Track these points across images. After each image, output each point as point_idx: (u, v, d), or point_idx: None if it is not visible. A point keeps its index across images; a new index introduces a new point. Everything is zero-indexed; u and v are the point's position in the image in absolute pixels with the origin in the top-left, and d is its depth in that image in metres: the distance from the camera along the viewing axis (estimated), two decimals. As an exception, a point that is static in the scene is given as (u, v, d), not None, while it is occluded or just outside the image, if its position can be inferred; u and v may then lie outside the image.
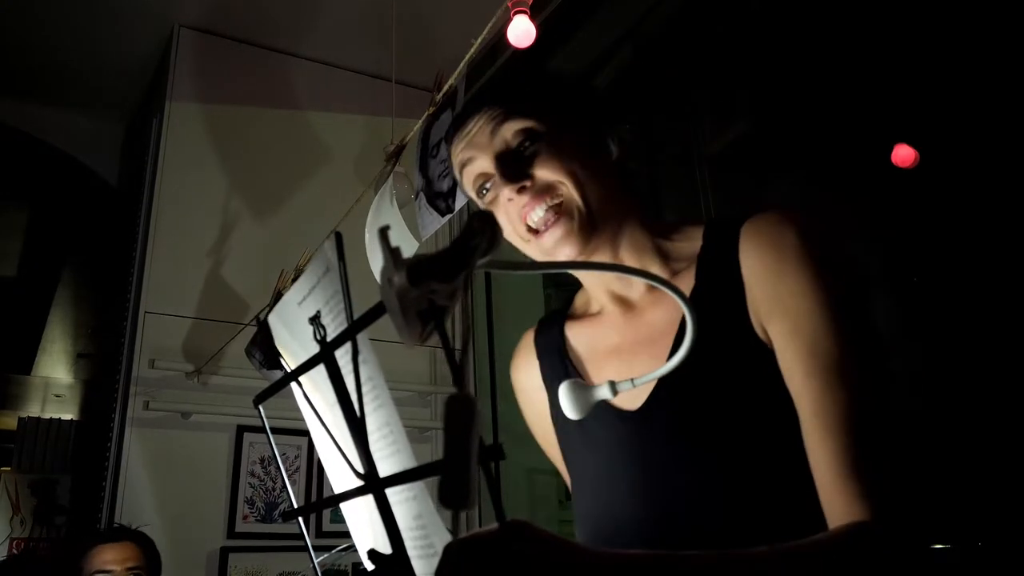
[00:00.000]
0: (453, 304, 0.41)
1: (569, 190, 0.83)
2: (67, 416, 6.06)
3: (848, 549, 0.63)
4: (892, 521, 0.64)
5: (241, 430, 2.72)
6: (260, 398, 0.73)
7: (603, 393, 0.72)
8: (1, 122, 3.52)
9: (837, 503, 0.66)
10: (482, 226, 0.41)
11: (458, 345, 0.41)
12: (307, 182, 3.14)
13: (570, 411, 0.75)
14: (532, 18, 1.69)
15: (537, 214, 0.83)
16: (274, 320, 0.70)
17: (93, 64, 3.33)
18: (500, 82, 0.91)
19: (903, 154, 3.34)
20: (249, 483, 2.68)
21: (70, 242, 4.80)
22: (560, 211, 0.83)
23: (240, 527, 2.62)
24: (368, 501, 0.63)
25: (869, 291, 0.77)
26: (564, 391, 0.76)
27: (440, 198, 1.69)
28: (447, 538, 0.52)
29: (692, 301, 0.78)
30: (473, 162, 0.87)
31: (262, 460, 2.72)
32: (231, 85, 3.15)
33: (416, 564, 0.56)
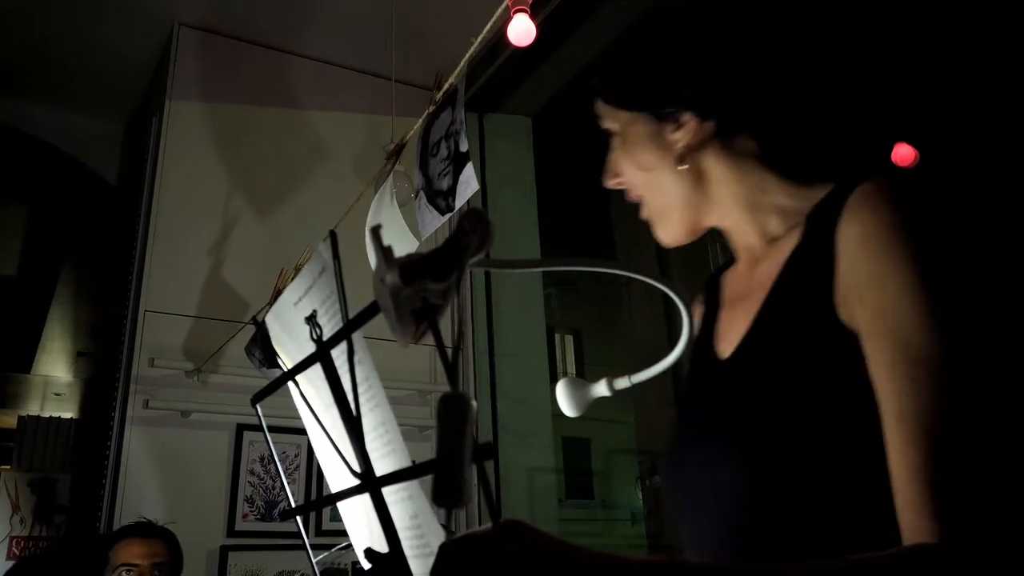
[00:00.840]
0: (446, 303, 0.41)
1: (642, 189, 0.90)
2: (67, 415, 6.06)
3: (901, 572, 0.56)
4: (965, 548, 0.56)
5: (241, 429, 2.72)
6: (258, 397, 0.73)
7: (600, 390, 0.72)
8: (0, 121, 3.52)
9: (908, 518, 0.59)
10: (473, 225, 0.41)
11: (451, 344, 0.41)
12: (307, 181, 3.14)
13: (566, 408, 0.75)
14: (532, 16, 1.69)
15: (635, 198, 0.92)
16: (271, 320, 0.70)
17: (93, 63, 3.33)
18: (608, 64, 0.95)
19: (903, 153, 3.34)
20: (249, 482, 2.69)
21: (70, 241, 4.80)
22: (641, 201, 0.91)
23: (240, 526, 2.62)
24: (365, 500, 0.63)
25: (987, 283, 0.67)
26: (560, 388, 0.76)
27: (440, 197, 1.69)
28: (443, 537, 0.52)
29: (786, 266, 0.77)
30: None
31: (262, 459, 2.72)
32: (231, 84, 3.15)
33: (412, 563, 0.56)
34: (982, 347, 0.63)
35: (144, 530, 2.06)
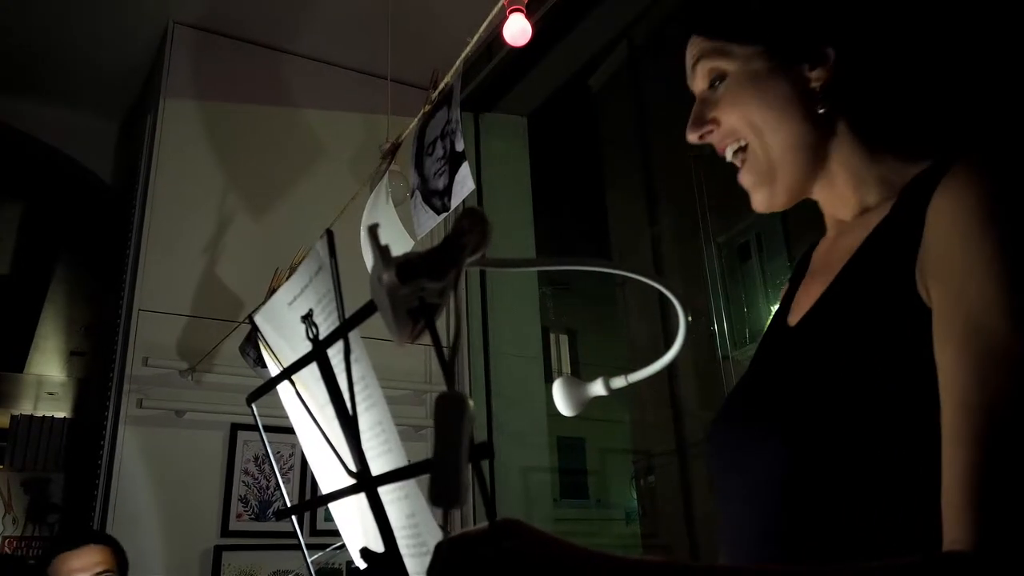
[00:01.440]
0: (443, 302, 0.41)
1: (751, 139, 0.81)
2: (60, 414, 6.05)
3: None
4: (1000, 559, 0.51)
5: (235, 428, 2.72)
6: (253, 396, 0.73)
7: (596, 389, 0.72)
8: (-6, 119, 3.51)
9: (951, 517, 0.55)
10: (472, 224, 0.40)
11: (448, 343, 0.41)
12: (302, 179, 3.14)
13: (563, 407, 0.75)
14: (528, 16, 1.69)
15: (729, 152, 0.84)
16: (261, 320, 0.70)
17: (87, 60, 3.32)
18: (711, 3, 0.87)
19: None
20: (243, 481, 2.68)
21: (64, 239, 4.79)
22: (745, 158, 0.82)
23: (234, 525, 2.62)
24: (360, 500, 0.63)
25: None
26: (557, 387, 0.76)
27: (436, 196, 1.69)
28: (439, 536, 0.52)
29: (871, 237, 0.73)
30: (692, 90, 0.88)
31: (256, 458, 2.71)
32: (226, 82, 3.14)
33: (408, 563, 0.56)
34: None
35: (77, 540, 1.92)
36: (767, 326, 0.73)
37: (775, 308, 0.92)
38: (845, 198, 0.81)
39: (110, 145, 3.80)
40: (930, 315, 0.63)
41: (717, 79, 0.83)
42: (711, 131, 0.83)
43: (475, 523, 2.87)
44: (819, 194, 0.83)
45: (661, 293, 0.66)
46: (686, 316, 0.58)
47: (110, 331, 2.95)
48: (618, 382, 0.72)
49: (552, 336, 6.22)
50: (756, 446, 0.72)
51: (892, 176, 0.77)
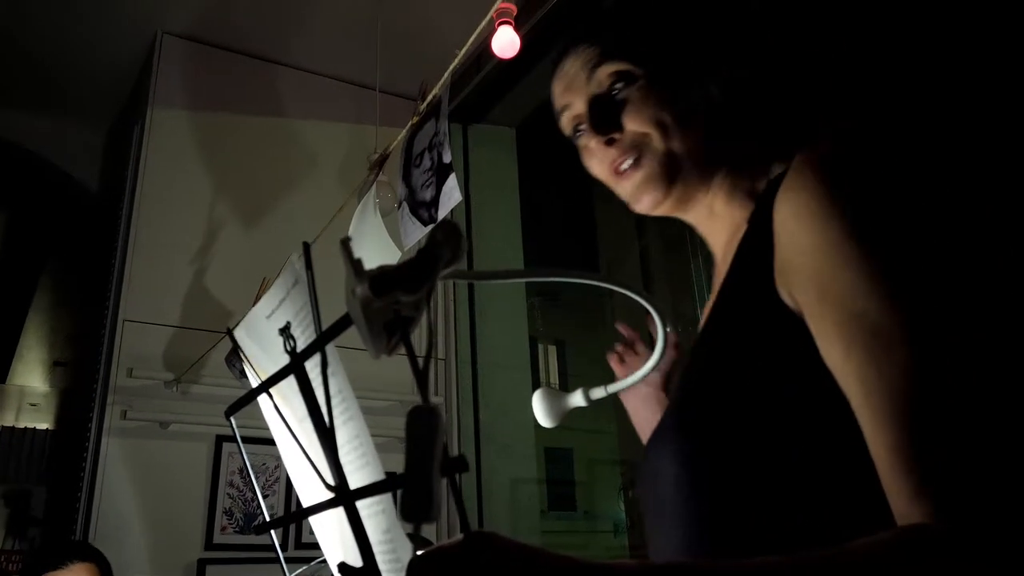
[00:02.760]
0: (419, 314, 0.41)
1: (653, 139, 0.79)
2: (42, 425, 5.99)
3: (898, 557, 0.50)
4: (963, 521, 0.50)
5: (220, 440, 2.70)
6: (231, 410, 0.73)
7: (576, 400, 0.72)
8: (-20, 127, 3.49)
9: (896, 503, 0.54)
10: (446, 236, 0.40)
11: (422, 354, 0.41)
12: (290, 190, 3.13)
13: (542, 418, 0.75)
14: (516, 29, 1.69)
15: (626, 166, 0.81)
16: (241, 333, 0.69)
17: (74, 69, 3.31)
18: (602, 13, 0.85)
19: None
20: (228, 494, 2.66)
21: (48, 248, 4.76)
22: (641, 155, 0.80)
23: (218, 538, 2.59)
24: (339, 514, 0.62)
25: (942, 243, 0.60)
26: (536, 398, 0.75)
27: (423, 207, 1.69)
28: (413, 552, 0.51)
29: (736, 254, 0.74)
30: (568, 108, 0.86)
31: (241, 471, 2.69)
32: (215, 92, 3.14)
33: (386, 577, 0.55)
34: (947, 305, 0.57)
35: (63, 557, 1.87)
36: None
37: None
38: (724, 219, 0.81)
39: (96, 154, 3.79)
40: (799, 319, 0.63)
41: (620, 82, 0.81)
42: (614, 139, 0.81)
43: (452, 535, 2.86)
44: (695, 215, 0.84)
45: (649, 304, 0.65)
46: (664, 328, 0.57)
47: (94, 341, 2.93)
48: (598, 393, 0.72)
49: (540, 347, 6.21)
50: (671, 460, 0.71)
51: (756, 189, 0.79)
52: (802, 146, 0.68)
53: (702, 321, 0.78)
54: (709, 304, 0.79)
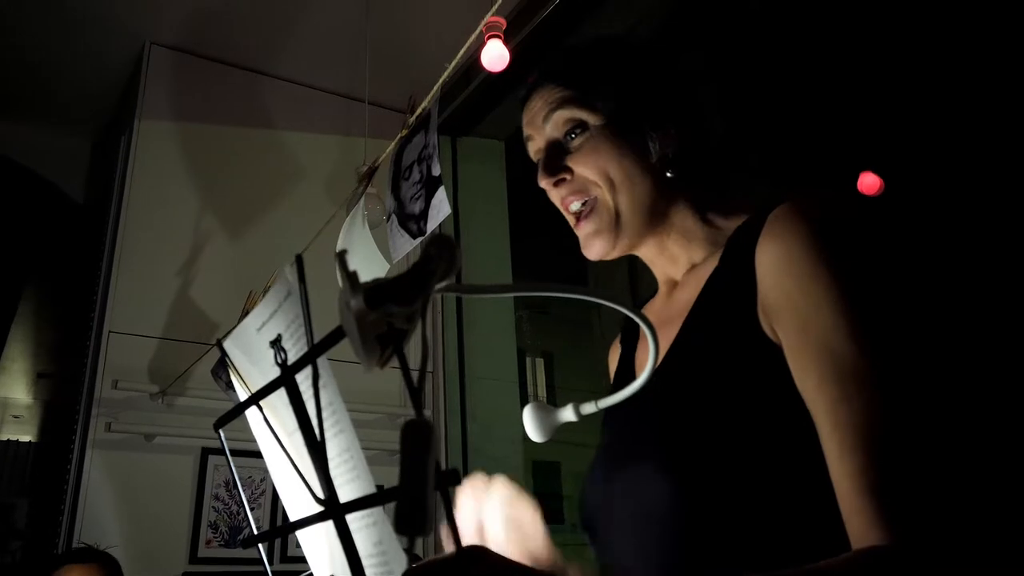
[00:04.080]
0: (412, 328, 0.41)
1: (602, 192, 0.85)
2: (25, 438, 5.92)
3: (860, 574, 0.56)
4: (915, 545, 0.56)
5: (206, 452, 2.68)
6: (220, 422, 0.72)
7: (566, 415, 0.72)
8: (-35, 137, 3.47)
9: (855, 525, 0.59)
10: (440, 251, 0.40)
11: (417, 368, 0.41)
12: (279, 202, 3.12)
13: (533, 433, 0.75)
14: (506, 42, 1.70)
15: (575, 206, 0.87)
16: (231, 345, 0.69)
17: (61, 80, 3.30)
18: (571, 55, 0.90)
19: (869, 182, 3.41)
20: (213, 507, 2.64)
21: (33, 259, 4.71)
22: (593, 207, 0.85)
23: (203, 552, 2.57)
24: (328, 527, 0.62)
25: (917, 287, 0.67)
26: (527, 413, 0.75)
27: (412, 220, 1.69)
28: (406, 564, 0.51)
29: (706, 288, 0.78)
30: (531, 140, 0.91)
31: (226, 483, 2.67)
32: (203, 104, 3.13)
33: (376, 592, 0.55)
34: (911, 352, 0.63)
35: (84, 556, 2.02)
36: (612, 391, 0.75)
37: (613, 371, 1.00)
38: (674, 256, 0.88)
39: (82, 164, 3.77)
40: (779, 351, 0.69)
41: (575, 129, 0.86)
42: (564, 180, 0.87)
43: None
44: (646, 251, 0.89)
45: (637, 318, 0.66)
46: (655, 343, 0.58)
47: (79, 353, 2.90)
48: (588, 408, 0.72)
49: (528, 360, 6.21)
50: (641, 493, 0.73)
51: (716, 235, 0.85)
52: (760, 200, 0.76)
53: (659, 347, 0.80)
54: (667, 330, 0.83)
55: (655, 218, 0.86)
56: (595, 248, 0.87)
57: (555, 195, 0.89)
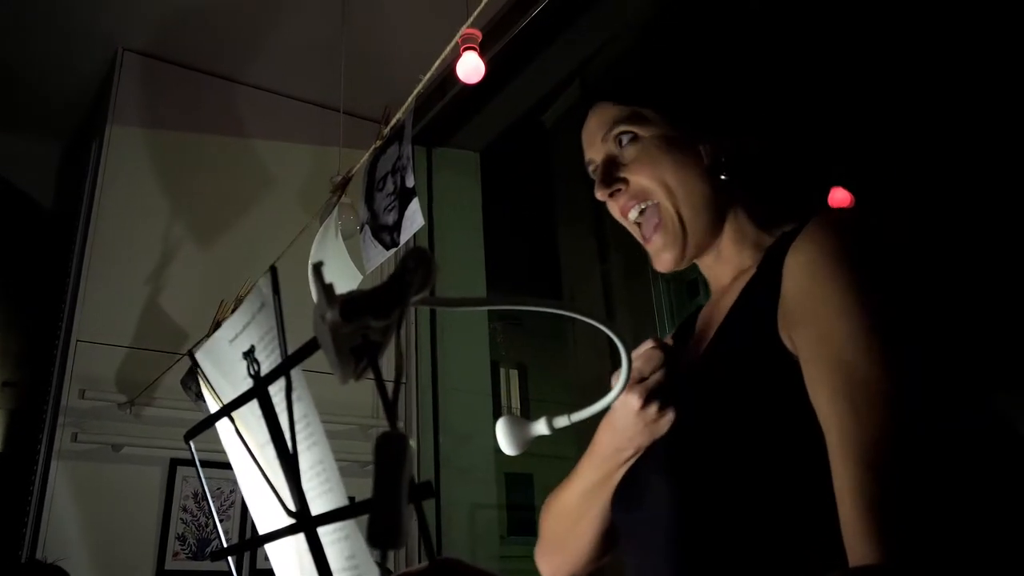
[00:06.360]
0: (387, 340, 0.41)
1: (662, 199, 0.86)
2: (-11, 447, 5.79)
3: None
4: (909, 566, 0.55)
5: (174, 464, 2.64)
6: (191, 433, 0.71)
7: (539, 429, 0.73)
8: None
9: (851, 541, 0.58)
10: (416, 263, 0.41)
11: (392, 380, 0.41)
12: (251, 211, 3.10)
13: (505, 446, 0.75)
14: (481, 54, 1.71)
15: (634, 214, 0.88)
16: (202, 356, 0.68)
17: (31, 85, 3.25)
18: (621, 70, 0.92)
19: (839, 197, 3.46)
20: (181, 519, 2.60)
21: (-1, 266, 4.63)
22: (659, 219, 0.87)
23: (170, 564, 2.53)
24: (299, 541, 0.62)
25: (941, 309, 0.66)
26: (500, 426, 0.76)
27: (385, 231, 1.68)
28: (379, 578, 0.51)
29: (741, 295, 0.80)
30: (591, 162, 0.93)
31: (195, 495, 2.63)
32: (176, 111, 3.10)
33: (347, 605, 0.55)
34: (927, 371, 0.63)
35: (31, 572, 1.92)
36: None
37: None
38: (729, 261, 0.88)
39: (51, 171, 3.71)
40: (796, 363, 0.68)
41: (628, 141, 0.88)
42: (620, 190, 0.88)
43: (418, 562, 2.83)
44: (706, 260, 0.90)
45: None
46: (628, 357, 0.58)
47: (45, 361, 2.85)
48: (561, 421, 0.72)
49: (502, 371, 6.20)
50: (661, 499, 0.75)
51: (765, 240, 0.86)
52: (811, 209, 0.77)
53: (700, 352, 0.84)
54: (707, 335, 0.84)
55: (716, 221, 0.87)
56: (666, 260, 0.88)
57: (614, 206, 0.91)
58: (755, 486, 0.68)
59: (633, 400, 0.75)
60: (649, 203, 0.87)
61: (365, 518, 0.40)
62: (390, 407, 0.41)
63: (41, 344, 3.18)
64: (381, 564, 0.43)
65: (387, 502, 0.36)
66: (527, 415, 0.79)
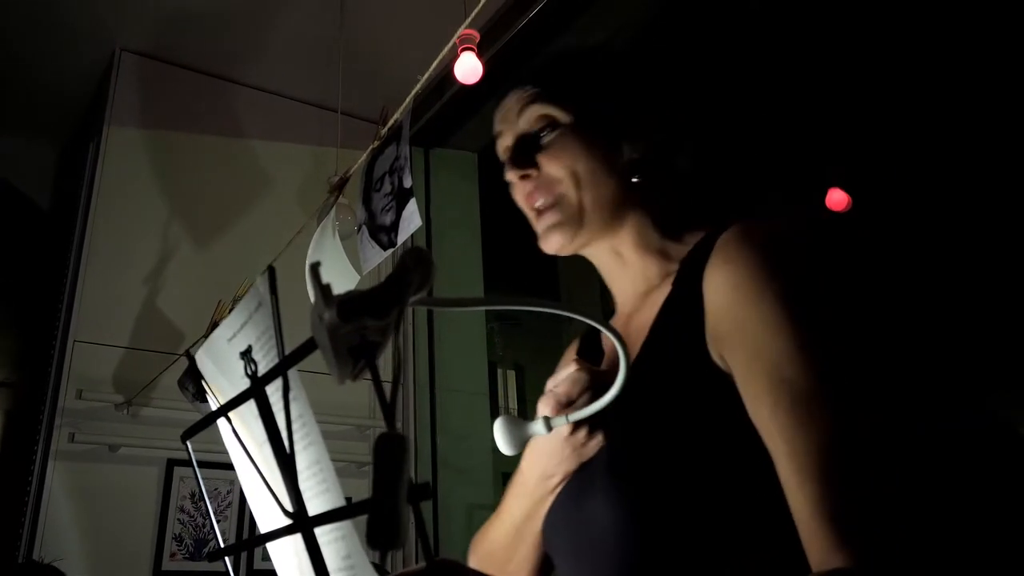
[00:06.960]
0: (385, 340, 0.41)
1: (568, 189, 0.84)
2: (-14, 448, 5.78)
3: None
4: (876, 569, 0.55)
5: (171, 464, 2.63)
6: (188, 434, 0.71)
7: (537, 429, 0.73)
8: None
9: (815, 550, 0.58)
10: (415, 263, 0.41)
11: (389, 381, 0.41)
12: (249, 211, 3.10)
13: (503, 446, 0.75)
14: (479, 55, 1.71)
15: (539, 203, 0.86)
16: (202, 355, 0.68)
17: (28, 84, 3.25)
18: (549, 59, 0.92)
19: (837, 198, 3.47)
20: (178, 519, 2.59)
21: (-4, 266, 4.62)
22: (555, 202, 0.85)
23: (167, 565, 2.53)
24: (297, 540, 0.62)
25: (870, 312, 0.67)
26: (498, 426, 0.75)
27: (383, 232, 1.68)
28: (376, 579, 0.51)
29: (660, 314, 0.78)
30: (502, 136, 0.91)
31: (192, 495, 2.63)
32: (173, 111, 3.10)
33: (345, 605, 0.55)
34: (864, 376, 0.63)
35: (26, 573, 1.92)
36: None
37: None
38: (633, 268, 0.87)
39: (49, 171, 3.71)
40: (729, 380, 0.68)
41: (547, 128, 0.87)
42: (529, 175, 0.87)
43: (415, 563, 2.83)
44: (602, 257, 0.89)
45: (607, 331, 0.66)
46: (627, 357, 0.58)
47: (42, 362, 2.85)
48: (559, 421, 0.72)
49: (500, 371, 6.21)
50: (602, 524, 0.73)
51: (674, 250, 0.85)
52: (719, 218, 0.76)
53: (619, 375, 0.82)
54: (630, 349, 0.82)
55: (615, 219, 0.86)
56: (553, 241, 0.86)
57: (520, 190, 0.88)
58: (701, 504, 0.67)
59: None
60: (554, 195, 0.85)
61: (362, 518, 0.40)
62: (388, 408, 0.41)
63: (38, 344, 3.18)
64: (378, 564, 0.43)
65: (386, 502, 0.36)
66: (524, 415, 0.78)
